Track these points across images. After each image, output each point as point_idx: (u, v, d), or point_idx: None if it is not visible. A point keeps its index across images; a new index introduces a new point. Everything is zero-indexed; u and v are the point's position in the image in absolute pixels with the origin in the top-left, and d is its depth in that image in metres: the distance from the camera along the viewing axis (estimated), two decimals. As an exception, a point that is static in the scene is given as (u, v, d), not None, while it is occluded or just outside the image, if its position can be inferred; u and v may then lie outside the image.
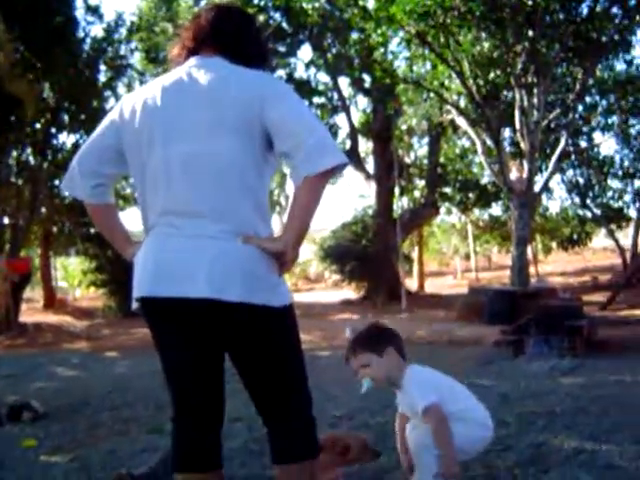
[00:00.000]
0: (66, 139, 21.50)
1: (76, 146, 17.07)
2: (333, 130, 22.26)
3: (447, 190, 23.12)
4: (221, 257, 2.25)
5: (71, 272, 28.98)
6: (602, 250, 30.02)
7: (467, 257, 32.16)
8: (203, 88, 2.35)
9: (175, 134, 2.33)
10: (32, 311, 21.67)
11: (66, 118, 18.75)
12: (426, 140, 23.39)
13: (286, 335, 2.43)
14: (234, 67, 2.42)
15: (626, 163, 20.30)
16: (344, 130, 23.33)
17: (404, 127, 22.17)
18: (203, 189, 2.30)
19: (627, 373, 6.41)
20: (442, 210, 24.84)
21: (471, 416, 2.86)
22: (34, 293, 26.37)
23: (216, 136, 2.30)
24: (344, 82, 22.37)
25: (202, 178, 2.30)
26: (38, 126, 18.01)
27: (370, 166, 22.25)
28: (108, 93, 20.12)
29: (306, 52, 61.35)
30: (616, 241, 20.15)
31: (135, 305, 2.44)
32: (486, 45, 14.42)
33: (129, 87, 20.77)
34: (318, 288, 29.37)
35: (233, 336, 2.35)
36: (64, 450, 4.49)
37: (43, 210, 20.12)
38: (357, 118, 23.42)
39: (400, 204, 21.99)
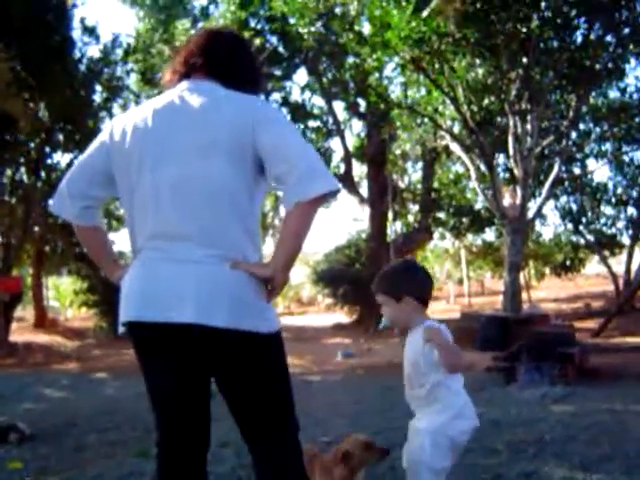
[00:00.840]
0: (60, 158, 21.51)
1: (70, 166, 16.93)
2: (327, 154, 22.33)
3: (441, 215, 23.13)
4: (209, 282, 2.22)
5: (63, 292, 28.81)
6: (595, 276, 30.03)
7: (460, 282, 32.13)
8: (195, 110, 2.34)
9: (166, 156, 2.31)
10: (23, 330, 21.50)
11: (61, 138, 18.77)
12: (420, 165, 23.43)
13: (274, 361, 2.40)
14: (226, 91, 2.41)
15: (619, 190, 20.36)
16: (338, 154, 23.44)
17: (398, 152, 22.19)
18: (193, 212, 2.28)
19: (619, 401, 6.38)
20: (435, 235, 24.82)
21: (461, 403, 2.78)
22: (25, 312, 26.21)
23: (207, 159, 2.28)
24: (339, 106, 22.54)
25: (192, 201, 2.28)
26: (32, 145, 18.04)
27: (364, 190, 22.31)
28: (103, 114, 20.12)
29: (302, 76, 61.63)
30: (609, 268, 20.18)
31: (121, 329, 2.41)
32: (480, 71, 14.50)
33: (124, 108, 20.73)
34: (311, 311, 29.33)
35: (220, 361, 2.32)
36: (50, 473, 4.44)
37: (36, 229, 20.05)
38: (352, 142, 23.54)
39: (394, 228, 21.97)
